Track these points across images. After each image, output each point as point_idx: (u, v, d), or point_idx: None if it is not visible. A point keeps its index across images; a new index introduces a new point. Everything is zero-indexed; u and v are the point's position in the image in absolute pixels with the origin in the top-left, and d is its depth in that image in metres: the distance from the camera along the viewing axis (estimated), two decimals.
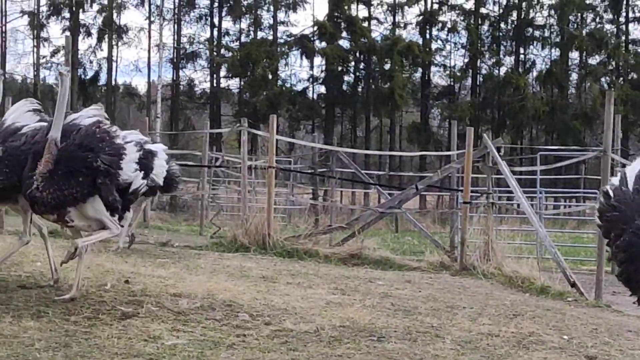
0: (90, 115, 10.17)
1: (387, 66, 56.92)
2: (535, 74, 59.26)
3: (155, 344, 8.88)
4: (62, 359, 8.15)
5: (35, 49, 55.62)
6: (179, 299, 10.73)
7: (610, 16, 58.94)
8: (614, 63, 57.81)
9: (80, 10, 55.62)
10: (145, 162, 10.16)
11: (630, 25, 59.33)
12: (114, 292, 10.94)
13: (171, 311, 10.23)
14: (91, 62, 56.19)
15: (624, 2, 58.17)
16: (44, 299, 10.45)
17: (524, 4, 58.11)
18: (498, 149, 18.50)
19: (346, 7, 57.23)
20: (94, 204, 9.70)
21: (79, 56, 54.66)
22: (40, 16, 55.05)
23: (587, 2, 58.05)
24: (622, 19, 58.89)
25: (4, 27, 53.63)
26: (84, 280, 11.44)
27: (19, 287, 10.91)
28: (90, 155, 9.44)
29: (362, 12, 59.15)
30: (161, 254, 15.70)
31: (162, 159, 11.66)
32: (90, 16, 56.19)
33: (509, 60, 59.27)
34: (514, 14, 59.02)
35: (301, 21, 54.78)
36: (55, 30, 58.67)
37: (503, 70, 58.47)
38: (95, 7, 56.05)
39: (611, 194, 6.76)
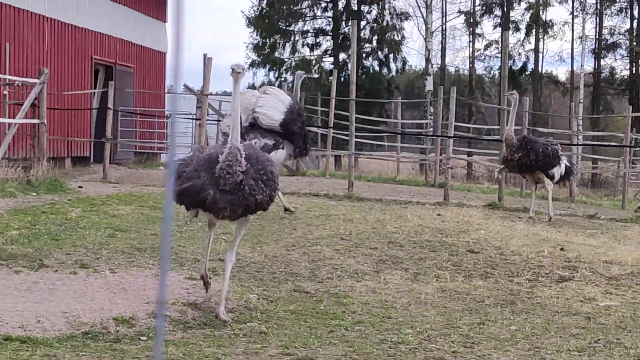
0: None
1: None
2: None
3: (591, 305, 8.84)
4: (510, 314, 8.33)
5: (470, 44, 56.41)
6: (611, 266, 10.56)
7: None
8: None
9: (510, 8, 55.83)
10: None
11: None
12: (550, 257, 10.99)
13: (603, 276, 10.11)
14: (519, 54, 56.01)
15: None
16: (490, 262, 10.71)
17: None
18: None
19: None
20: None
21: (509, 49, 54.75)
22: (475, 15, 55.78)
23: None
24: None
25: (444, 26, 54.89)
26: (524, 246, 11.59)
27: (468, 252, 11.25)
28: None
29: None
30: (589, 225, 15.46)
31: None
32: (519, 13, 56.15)
33: None
34: None
35: None
36: (488, 27, 59.26)
37: None
38: (523, 5, 55.92)
39: None
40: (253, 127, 13.50)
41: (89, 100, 27.05)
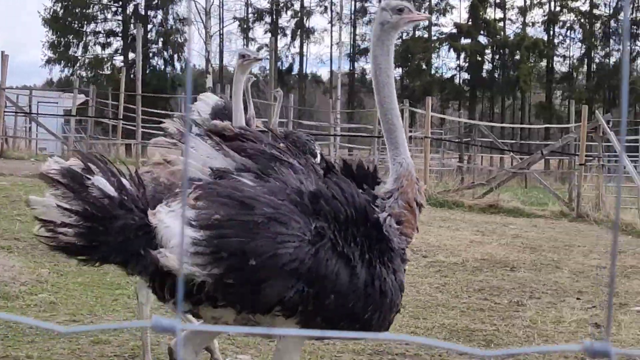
0: None
1: (517, 57, 55.80)
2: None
3: None
4: None
5: (244, 47, 56.86)
6: None
7: None
8: None
9: (279, 16, 56.67)
10: None
11: None
12: None
13: None
14: (286, 56, 57.12)
15: None
16: None
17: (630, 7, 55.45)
18: (607, 122, 18.03)
19: (482, 12, 56.44)
20: None
21: (278, 51, 55.57)
22: (249, 21, 56.23)
23: None
24: None
25: (221, 31, 54.98)
26: None
27: None
28: None
29: (498, 14, 58.04)
30: None
31: None
32: (285, 20, 57.21)
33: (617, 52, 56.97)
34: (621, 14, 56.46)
35: (450, 23, 53.86)
36: (260, 32, 59.81)
37: (612, 59, 56.26)
38: (290, 12, 56.97)
39: None
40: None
41: None
